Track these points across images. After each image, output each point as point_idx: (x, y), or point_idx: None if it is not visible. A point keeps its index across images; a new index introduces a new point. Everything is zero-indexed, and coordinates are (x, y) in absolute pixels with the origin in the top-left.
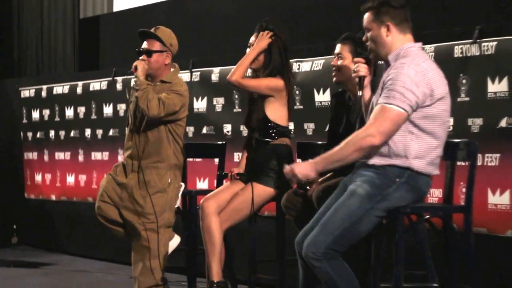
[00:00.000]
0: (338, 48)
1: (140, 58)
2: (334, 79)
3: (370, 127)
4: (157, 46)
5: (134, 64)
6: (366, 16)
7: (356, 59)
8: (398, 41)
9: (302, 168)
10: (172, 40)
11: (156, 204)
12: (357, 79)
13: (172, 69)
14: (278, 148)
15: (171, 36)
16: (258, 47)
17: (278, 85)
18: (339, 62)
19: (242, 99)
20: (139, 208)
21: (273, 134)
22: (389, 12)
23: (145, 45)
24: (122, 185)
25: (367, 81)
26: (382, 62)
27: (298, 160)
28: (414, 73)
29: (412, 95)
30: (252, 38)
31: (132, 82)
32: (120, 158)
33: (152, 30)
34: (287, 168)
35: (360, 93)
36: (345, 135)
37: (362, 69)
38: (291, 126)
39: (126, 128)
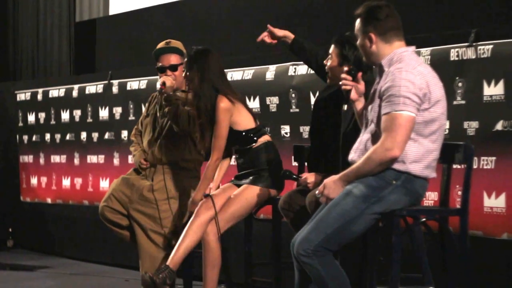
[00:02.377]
0: (331, 48)
1: (161, 74)
2: (328, 81)
3: (386, 141)
4: (178, 59)
5: (162, 80)
6: (356, 23)
7: (343, 75)
8: (385, 50)
9: (335, 192)
10: (184, 50)
11: (167, 210)
12: (344, 92)
13: None
14: (262, 149)
15: (183, 46)
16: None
17: (227, 107)
18: (328, 63)
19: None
20: (150, 211)
21: (254, 138)
22: (373, 24)
23: (164, 60)
24: (134, 187)
25: (354, 96)
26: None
27: (295, 164)
28: (413, 76)
29: (416, 97)
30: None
31: (126, 86)
32: (116, 161)
33: (163, 44)
34: (320, 197)
35: (345, 107)
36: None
37: (346, 82)
38: (287, 129)
39: (136, 135)
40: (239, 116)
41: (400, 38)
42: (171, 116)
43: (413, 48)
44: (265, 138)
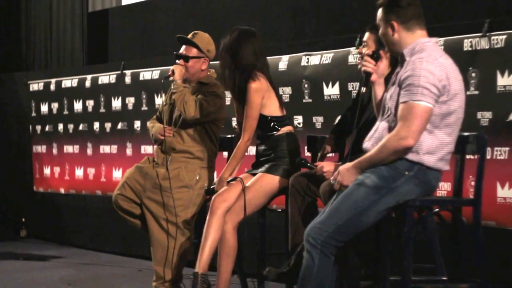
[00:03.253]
0: (366, 35)
1: (177, 62)
2: (359, 66)
3: (401, 130)
4: (194, 52)
5: (172, 68)
6: (378, 12)
7: (366, 52)
8: (407, 39)
9: (349, 179)
10: (209, 46)
11: (180, 198)
12: (364, 74)
13: (208, 73)
14: (283, 138)
15: (209, 42)
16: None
17: (257, 88)
18: (363, 50)
19: None
20: (163, 200)
21: (276, 126)
22: (395, 12)
23: (182, 50)
24: (147, 175)
25: (374, 78)
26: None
27: (308, 154)
28: (434, 67)
29: (435, 88)
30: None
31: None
32: (129, 151)
33: (190, 35)
34: (334, 183)
35: (363, 89)
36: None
37: (368, 64)
38: (300, 119)
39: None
40: (269, 100)
41: (422, 27)
42: (178, 103)
43: (435, 39)
44: (288, 128)
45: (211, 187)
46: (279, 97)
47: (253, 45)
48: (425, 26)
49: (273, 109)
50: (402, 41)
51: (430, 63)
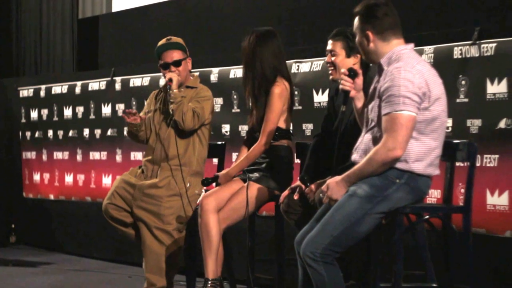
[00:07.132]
0: (330, 44)
1: (164, 70)
2: (330, 76)
3: (387, 142)
4: (180, 54)
5: (168, 77)
6: (355, 20)
7: (342, 70)
8: (382, 48)
9: (338, 193)
10: (184, 45)
11: (171, 206)
12: (342, 92)
13: (191, 77)
14: (278, 149)
15: (182, 41)
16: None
17: (282, 94)
18: (332, 59)
19: (241, 100)
20: (154, 208)
21: (275, 136)
22: (371, 22)
23: (167, 57)
24: (135, 186)
25: (353, 93)
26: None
27: (297, 161)
28: (412, 76)
29: (416, 96)
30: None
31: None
32: (119, 158)
33: (164, 41)
34: (323, 197)
35: (343, 108)
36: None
37: (346, 83)
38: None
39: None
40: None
41: (398, 36)
42: (177, 114)
43: (411, 45)
44: (285, 142)
45: (212, 177)
46: (292, 110)
47: (273, 47)
48: (401, 34)
49: (282, 120)
50: (378, 50)
51: (408, 72)
